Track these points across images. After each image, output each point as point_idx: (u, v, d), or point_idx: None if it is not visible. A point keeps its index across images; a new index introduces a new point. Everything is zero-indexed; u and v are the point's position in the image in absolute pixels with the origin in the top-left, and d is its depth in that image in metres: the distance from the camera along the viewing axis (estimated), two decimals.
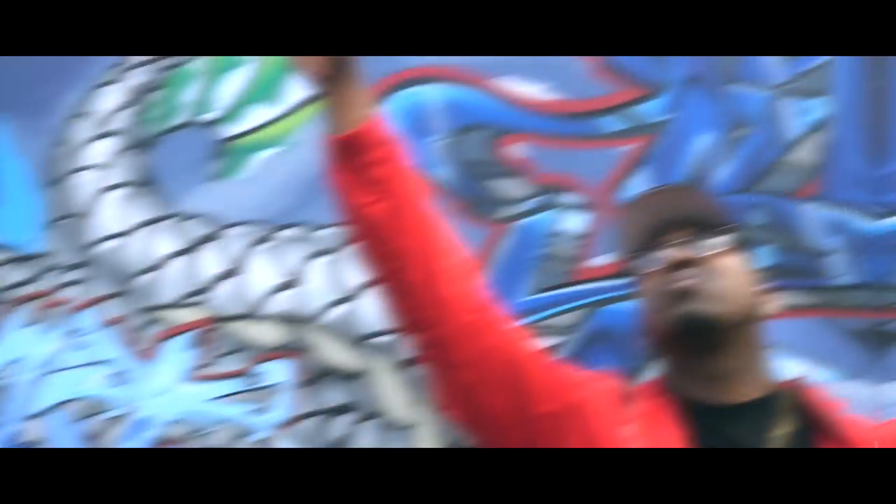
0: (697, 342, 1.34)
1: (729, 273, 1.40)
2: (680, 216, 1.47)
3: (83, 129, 3.69)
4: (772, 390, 1.38)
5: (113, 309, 3.53)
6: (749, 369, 1.34)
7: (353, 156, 1.30)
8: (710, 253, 1.41)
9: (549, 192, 3.22)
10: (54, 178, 3.69)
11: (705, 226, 1.45)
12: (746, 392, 1.35)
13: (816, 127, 3.04)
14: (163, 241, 3.52)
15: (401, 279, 1.34)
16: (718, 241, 1.43)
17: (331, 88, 1.31)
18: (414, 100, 3.35)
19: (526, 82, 3.30)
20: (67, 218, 3.63)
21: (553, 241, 3.21)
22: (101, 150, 3.66)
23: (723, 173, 3.08)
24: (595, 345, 3.07)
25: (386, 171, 1.31)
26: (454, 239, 1.40)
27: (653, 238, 1.48)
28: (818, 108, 3.06)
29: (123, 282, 3.53)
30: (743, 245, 1.45)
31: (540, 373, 1.38)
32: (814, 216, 3.02)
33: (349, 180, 1.32)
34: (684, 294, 1.35)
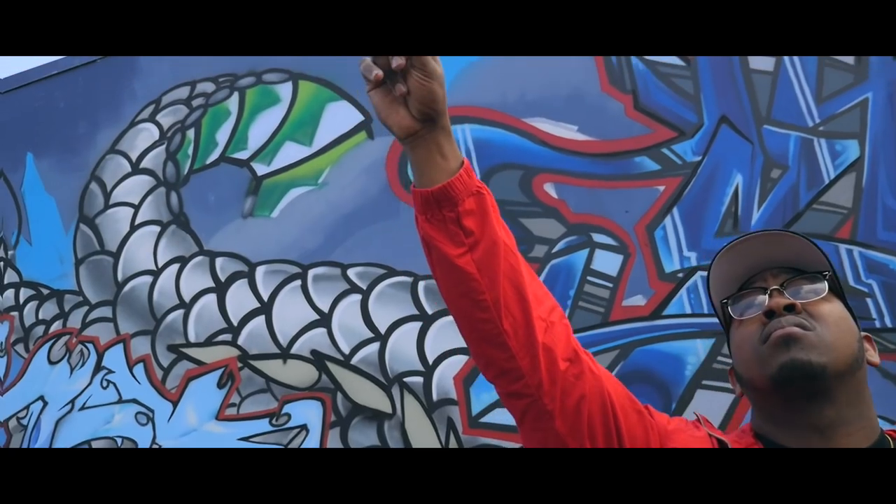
0: (800, 392, 1.26)
1: (831, 320, 1.32)
2: (777, 261, 1.40)
3: (115, 167, 3.70)
4: (877, 441, 1.29)
5: (141, 347, 3.50)
6: (853, 420, 1.26)
7: (445, 207, 1.25)
8: (812, 299, 1.33)
9: (583, 231, 3.21)
10: (85, 215, 3.69)
11: (804, 271, 1.38)
12: (850, 444, 1.26)
13: (850, 168, 3.05)
14: (193, 279, 3.50)
15: (495, 329, 1.28)
16: (819, 287, 1.35)
17: (419, 141, 1.27)
18: None
19: (558, 123, 3.32)
20: (97, 255, 3.63)
21: (587, 280, 3.18)
22: (133, 188, 3.67)
23: (758, 214, 3.08)
24: (630, 385, 3.03)
25: (477, 221, 1.26)
26: (542, 286, 1.36)
27: (748, 283, 1.41)
28: (852, 150, 3.06)
29: (152, 320, 3.51)
30: (841, 290, 1.39)
31: (631, 418, 1.31)
32: (850, 258, 2.99)
33: (441, 231, 1.26)
34: (787, 342, 1.28)
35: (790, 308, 1.32)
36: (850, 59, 3.13)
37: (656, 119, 3.21)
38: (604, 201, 3.23)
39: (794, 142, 3.12)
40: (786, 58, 3.18)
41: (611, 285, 3.14)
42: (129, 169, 3.66)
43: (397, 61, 1.18)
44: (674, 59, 3.26)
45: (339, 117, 3.50)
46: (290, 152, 3.52)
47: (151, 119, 3.69)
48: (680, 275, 3.08)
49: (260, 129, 3.57)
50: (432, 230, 1.26)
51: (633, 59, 3.27)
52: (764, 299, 1.36)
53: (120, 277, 3.56)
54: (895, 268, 2.94)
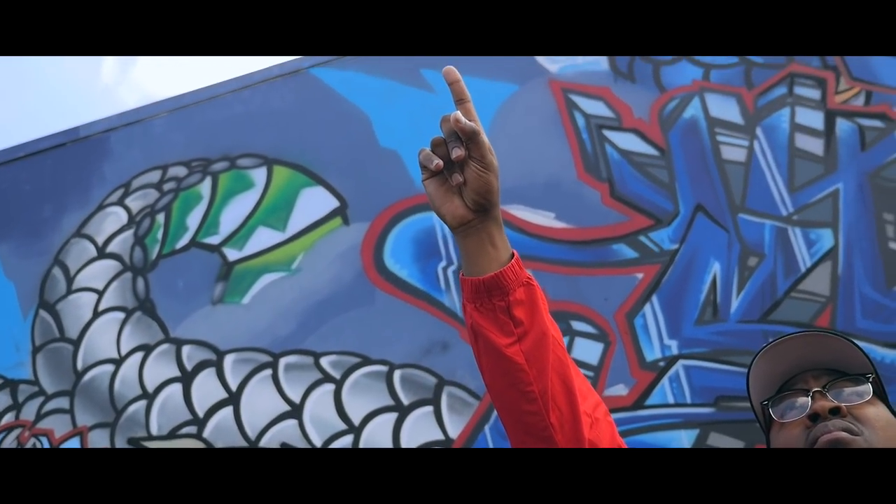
0: None
1: (879, 424, 1.27)
2: (817, 362, 1.35)
3: (80, 252, 3.59)
4: None
5: (99, 440, 3.31)
6: None
7: (496, 296, 1.23)
8: (856, 402, 1.28)
9: (563, 319, 3.16)
10: (45, 301, 3.54)
11: (845, 372, 1.33)
12: None
13: (826, 257, 3.08)
14: (158, 368, 3.36)
15: (542, 422, 1.23)
16: (863, 390, 1.30)
17: (471, 231, 1.26)
18: (423, 225, 3.34)
19: (535, 210, 3.32)
20: (56, 342, 3.47)
21: None
22: (97, 273, 3.55)
23: (737, 303, 3.07)
24: None
25: (527, 311, 1.23)
26: (586, 381, 1.31)
27: (788, 385, 1.36)
28: (826, 239, 3.10)
29: (113, 411, 3.33)
30: (885, 393, 1.34)
31: None
32: None
33: (490, 320, 1.24)
34: (836, 447, 1.22)
35: (835, 411, 1.27)
36: (819, 150, 3.21)
37: (633, 207, 3.23)
38: (582, 289, 3.20)
39: (769, 230, 3.16)
40: (757, 148, 3.24)
41: (591, 374, 3.08)
42: (94, 253, 3.55)
43: (458, 153, 1.20)
44: (648, 149, 3.31)
45: (314, 203, 3.46)
46: (263, 237, 3.46)
47: (120, 203, 3.61)
48: (661, 364, 3.04)
49: (232, 214, 3.50)
50: (482, 319, 1.23)
51: (608, 147, 3.31)
52: (806, 402, 1.30)
53: (79, 366, 3.39)
54: (876, 356, 2.94)
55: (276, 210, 3.50)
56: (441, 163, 1.22)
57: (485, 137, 1.20)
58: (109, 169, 3.65)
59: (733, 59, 3.37)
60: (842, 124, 3.24)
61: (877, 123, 3.21)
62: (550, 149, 3.38)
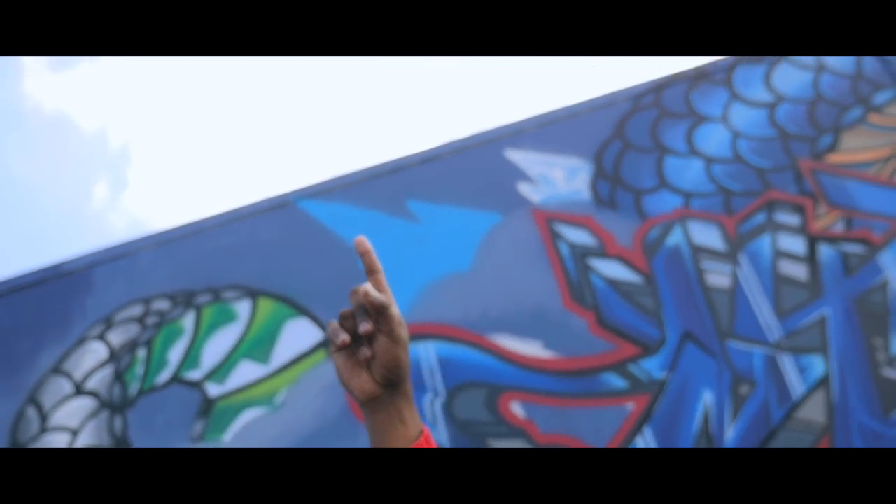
0: None
1: None
2: None
3: (56, 389, 3.49)
4: None
5: None
6: None
7: None
8: None
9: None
10: (16, 441, 3.42)
11: None
12: None
13: (819, 385, 3.03)
14: None
15: None
16: None
17: (379, 406, 1.23)
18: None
19: (522, 339, 3.28)
20: None
21: None
22: (73, 412, 3.44)
23: (732, 432, 3.00)
24: None
25: None
26: None
27: None
28: (817, 365, 3.06)
29: None
30: None
31: None
32: None
33: None
34: None
35: None
36: (803, 276, 3.22)
37: (620, 335, 3.20)
38: (573, 420, 3.12)
39: (759, 357, 3.12)
40: (741, 275, 3.25)
41: None
42: (71, 391, 3.45)
43: (365, 327, 1.17)
44: (633, 276, 3.31)
45: (299, 335, 3.41)
46: (246, 371, 3.38)
47: (101, 337, 3.54)
48: None
49: (215, 348, 3.44)
50: None
51: (593, 276, 3.31)
52: None
53: None
54: None
55: (259, 342, 3.44)
56: (347, 338, 1.20)
57: (395, 310, 1.18)
58: (91, 302, 3.61)
59: (712, 188, 3.43)
60: (824, 250, 3.26)
61: (858, 248, 3.24)
62: (536, 277, 3.38)
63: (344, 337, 1.19)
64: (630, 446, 3.05)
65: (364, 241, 1.22)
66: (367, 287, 1.19)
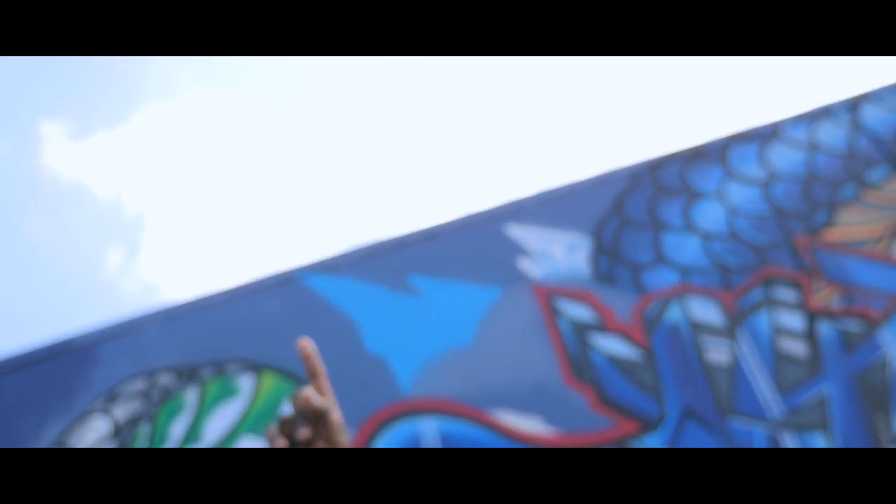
0: None
1: None
2: None
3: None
4: None
5: None
6: None
7: None
8: None
9: None
10: None
11: None
12: None
13: None
14: None
15: None
16: None
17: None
18: (410, 432, 3.29)
19: (522, 415, 3.28)
20: None
21: None
22: None
23: None
24: None
25: None
26: None
27: None
28: (819, 443, 3.04)
29: None
30: None
31: None
32: None
33: None
34: None
35: None
36: (802, 352, 3.23)
37: (620, 411, 3.19)
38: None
39: (760, 435, 3.10)
40: (740, 351, 3.26)
41: None
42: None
43: (304, 434, 1.15)
44: (633, 352, 3.33)
45: None
46: (248, 446, 3.39)
47: (104, 411, 3.57)
48: None
49: (217, 423, 3.46)
50: None
51: (593, 352, 3.33)
52: None
53: None
54: None
55: (262, 417, 3.45)
56: (286, 443, 1.16)
57: (336, 416, 1.16)
58: (97, 376, 3.65)
59: (709, 264, 3.48)
60: (823, 326, 3.28)
61: (857, 325, 3.26)
62: (536, 353, 3.40)
63: (281, 443, 1.16)
64: None
65: (306, 345, 1.20)
66: (308, 392, 1.17)
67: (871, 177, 3.61)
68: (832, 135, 3.66)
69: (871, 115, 3.70)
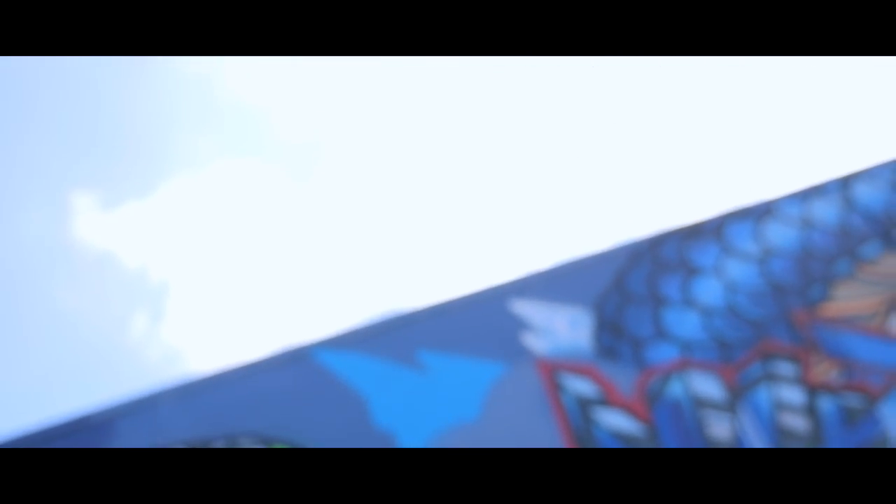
0: None
1: None
2: None
3: None
4: None
5: None
6: None
7: None
8: None
9: None
10: None
11: None
12: None
13: None
14: None
15: None
16: None
17: None
18: None
19: None
20: None
21: None
22: None
23: None
24: None
25: None
26: None
27: None
28: None
29: None
30: None
31: None
32: None
33: None
34: None
35: None
36: (803, 427, 3.27)
37: None
38: None
39: None
40: (740, 426, 3.31)
41: None
42: None
43: None
44: (634, 428, 3.39)
45: None
46: None
47: None
48: None
49: None
50: None
51: (595, 427, 3.39)
52: None
53: None
54: None
55: None
56: None
57: None
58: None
59: (709, 338, 3.55)
60: (822, 401, 3.32)
61: (857, 400, 3.29)
62: (541, 428, 3.46)
63: None
64: None
65: None
66: None
67: (865, 252, 3.69)
68: (825, 212, 3.76)
69: (863, 193, 3.80)
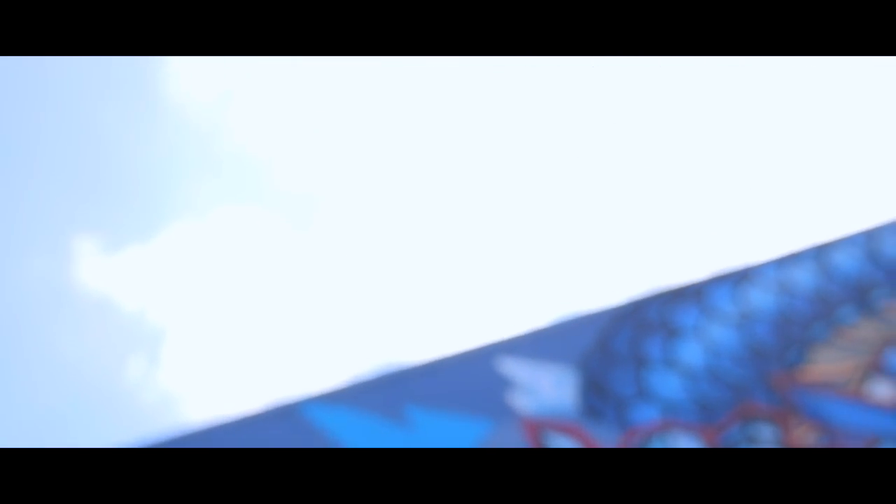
0: None
1: None
2: None
3: None
4: None
5: None
6: None
7: None
8: None
9: None
10: None
11: None
12: None
13: None
14: None
15: None
16: None
17: None
18: None
19: None
20: None
21: None
22: None
23: None
24: None
25: None
26: None
27: None
28: None
29: None
30: None
31: None
32: None
33: None
34: None
35: None
36: None
37: None
38: None
39: None
40: None
41: None
42: None
43: None
44: None
45: None
46: None
47: None
48: None
49: None
50: None
51: None
52: None
53: None
54: None
55: None
56: None
57: None
58: None
59: (690, 399, 3.62)
60: None
61: None
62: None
63: None
64: None
65: None
66: None
67: (843, 317, 3.78)
68: (800, 278, 3.86)
69: (839, 259, 3.92)
